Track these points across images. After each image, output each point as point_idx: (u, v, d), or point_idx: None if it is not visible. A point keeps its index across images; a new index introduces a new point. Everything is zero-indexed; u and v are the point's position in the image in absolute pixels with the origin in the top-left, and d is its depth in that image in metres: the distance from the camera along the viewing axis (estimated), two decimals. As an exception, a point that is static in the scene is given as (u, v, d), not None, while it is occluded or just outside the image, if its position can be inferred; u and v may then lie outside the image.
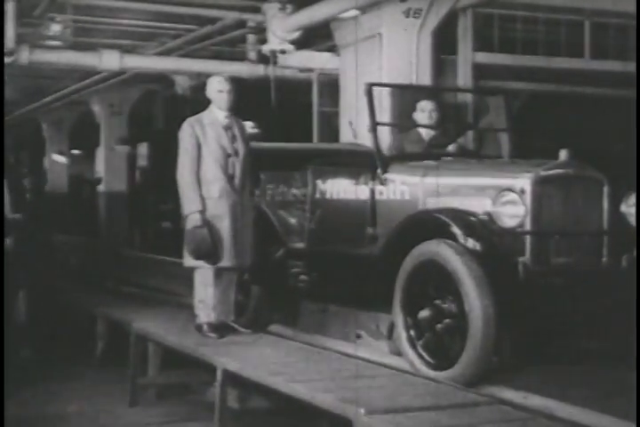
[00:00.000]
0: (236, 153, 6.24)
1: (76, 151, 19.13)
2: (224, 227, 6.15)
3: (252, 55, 10.19)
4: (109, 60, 9.87)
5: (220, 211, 6.16)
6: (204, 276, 6.24)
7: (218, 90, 6.25)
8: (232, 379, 5.49)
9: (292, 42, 9.10)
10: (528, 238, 5.18)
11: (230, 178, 6.20)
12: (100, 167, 15.90)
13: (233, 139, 6.25)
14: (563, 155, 5.32)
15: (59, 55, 9.76)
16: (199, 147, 6.17)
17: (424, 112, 6.54)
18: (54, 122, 17.98)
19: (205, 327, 6.22)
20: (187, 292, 8.80)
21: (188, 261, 6.25)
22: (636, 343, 4.49)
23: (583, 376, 5.31)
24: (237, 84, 6.45)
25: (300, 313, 7.01)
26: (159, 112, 15.89)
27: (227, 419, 5.52)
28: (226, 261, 6.18)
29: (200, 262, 6.18)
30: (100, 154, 15.83)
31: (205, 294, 6.24)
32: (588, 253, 5.34)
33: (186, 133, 6.20)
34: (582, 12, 9.37)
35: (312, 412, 4.80)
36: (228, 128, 6.26)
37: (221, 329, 6.23)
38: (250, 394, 6.10)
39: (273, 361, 5.50)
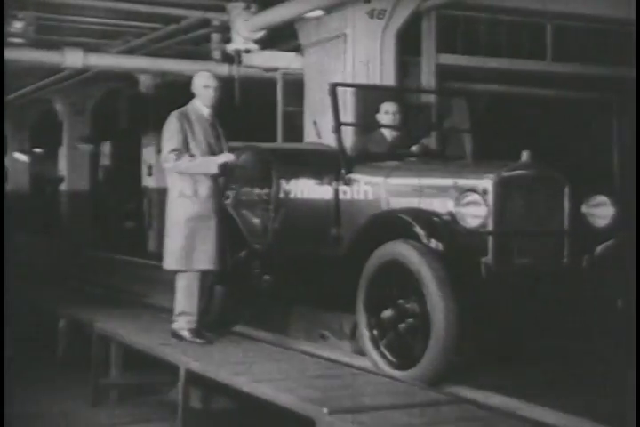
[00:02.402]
0: (221, 151, 6.14)
1: (37, 150, 18.99)
2: (211, 228, 6.02)
3: (217, 54, 10.17)
4: (72, 59, 9.82)
5: (208, 211, 6.03)
6: (189, 283, 6.06)
7: (204, 85, 6.10)
8: (195, 379, 5.48)
9: (257, 41, 9.11)
10: (490, 239, 5.20)
11: (216, 177, 6.12)
12: (62, 166, 15.81)
13: (217, 137, 6.14)
14: (524, 156, 5.37)
15: (21, 53, 9.68)
16: (187, 143, 6.01)
17: (387, 114, 6.57)
18: (16, 120, 17.82)
19: (188, 334, 6.04)
20: (149, 292, 8.79)
21: (170, 264, 6.08)
22: (636, 343, 4.53)
23: (545, 375, 5.36)
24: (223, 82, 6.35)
25: (263, 313, 7.01)
26: (123, 111, 15.82)
27: (189, 419, 5.50)
28: (210, 264, 6.04)
29: (182, 266, 6.03)
30: (63, 153, 15.75)
31: (190, 304, 6.05)
32: (550, 254, 5.39)
33: (175, 128, 6.00)
34: (544, 15, 9.47)
35: (275, 412, 4.80)
36: (212, 125, 6.14)
37: (201, 333, 6.11)
38: (213, 394, 6.08)
39: (236, 361, 5.50)
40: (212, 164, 6.01)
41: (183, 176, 6.03)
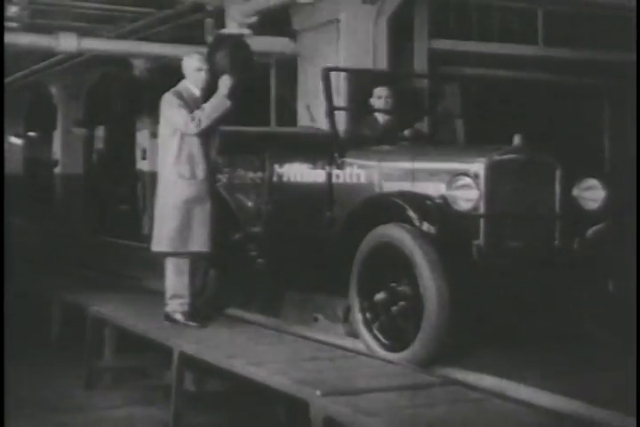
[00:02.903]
0: (213, 132, 6.16)
1: (32, 133, 18.95)
2: (206, 210, 6.04)
3: (210, 39, 10.14)
4: (67, 43, 9.76)
5: (203, 193, 6.05)
6: (180, 265, 6.07)
7: (197, 68, 6.09)
8: (189, 362, 5.51)
9: (250, 26, 9.08)
10: (482, 222, 5.25)
11: (209, 158, 6.13)
12: (56, 150, 15.78)
13: None
14: (516, 140, 5.39)
15: (16, 37, 9.64)
16: None
17: (380, 98, 6.58)
18: (10, 104, 17.75)
19: (181, 317, 6.07)
20: (143, 275, 8.82)
21: (162, 246, 6.07)
22: (636, 340, 4.57)
23: (536, 357, 5.39)
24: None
25: (257, 296, 7.04)
26: (117, 95, 15.77)
27: (183, 402, 5.54)
28: (204, 247, 6.05)
29: (176, 248, 6.02)
30: (57, 136, 15.71)
31: (182, 286, 6.07)
32: (541, 237, 5.42)
33: (177, 103, 6.00)
34: (535, 1, 9.48)
35: (269, 394, 4.84)
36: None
37: (195, 315, 6.13)
38: (206, 377, 6.12)
39: (230, 344, 5.53)
40: (222, 99, 6.01)
41: (181, 158, 6.03)
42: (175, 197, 6.03)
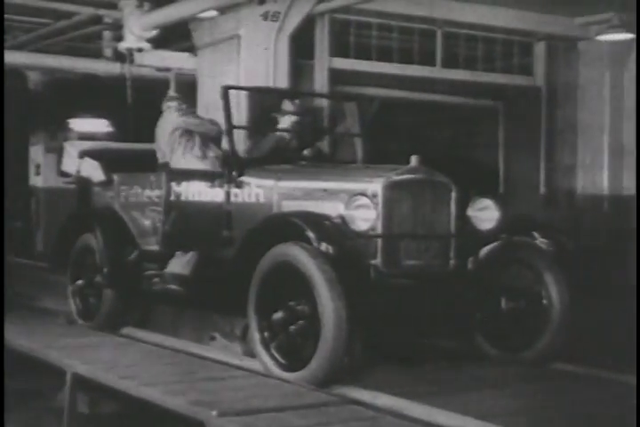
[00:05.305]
0: None
1: None
2: None
3: (108, 52, 10.02)
4: (-45, 53, 9.52)
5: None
6: None
7: None
8: (82, 383, 5.40)
9: (149, 40, 9.00)
10: (379, 241, 5.29)
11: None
12: (-55, 164, 15.30)
13: None
14: (413, 161, 5.47)
15: None
16: None
17: (289, 117, 6.59)
18: None
19: None
20: (36, 294, 8.60)
21: None
22: (636, 344, 4.63)
23: (432, 374, 5.46)
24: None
25: (153, 315, 6.95)
26: (9, 108, 15.39)
27: (76, 425, 5.42)
28: None
29: None
30: (-54, 150, 15.24)
31: None
32: (437, 256, 5.50)
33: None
34: (435, 22, 9.65)
35: (166, 415, 4.77)
36: None
37: None
38: (101, 398, 6.00)
39: (125, 364, 5.45)
40: None
41: None
42: None
